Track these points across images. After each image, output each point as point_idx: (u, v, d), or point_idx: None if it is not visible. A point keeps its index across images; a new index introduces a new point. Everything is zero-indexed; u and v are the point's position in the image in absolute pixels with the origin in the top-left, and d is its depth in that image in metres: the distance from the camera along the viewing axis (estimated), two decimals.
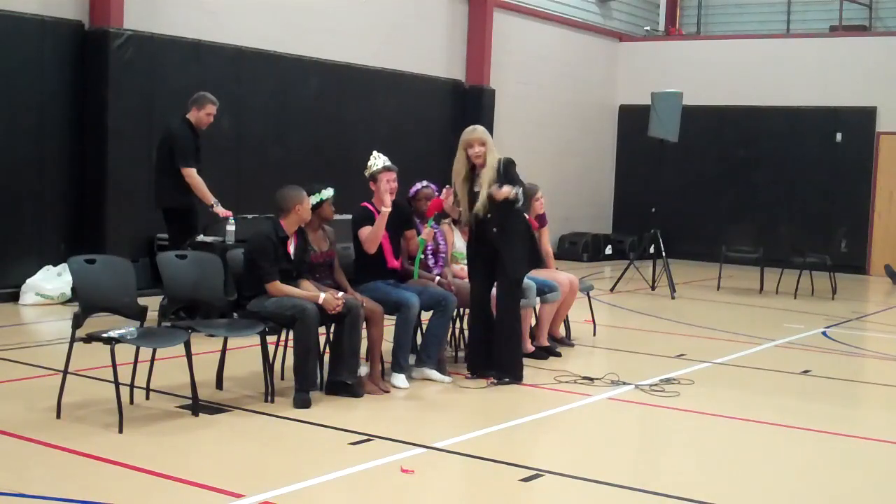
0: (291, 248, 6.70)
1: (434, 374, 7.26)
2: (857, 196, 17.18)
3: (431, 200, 7.52)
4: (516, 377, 7.31)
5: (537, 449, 6.07)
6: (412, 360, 7.32)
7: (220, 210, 9.04)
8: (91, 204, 10.79)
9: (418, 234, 7.45)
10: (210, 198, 8.97)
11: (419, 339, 7.53)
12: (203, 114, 9.05)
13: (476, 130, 7.32)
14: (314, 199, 6.85)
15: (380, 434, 5.81)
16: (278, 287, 6.50)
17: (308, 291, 6.59)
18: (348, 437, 5.79)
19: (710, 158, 18.06)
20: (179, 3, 11.67)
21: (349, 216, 7.39)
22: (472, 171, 7.33)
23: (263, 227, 6.77)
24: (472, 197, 7.28)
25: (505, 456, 5.57)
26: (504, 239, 7.23)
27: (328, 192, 7.01)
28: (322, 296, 6.47)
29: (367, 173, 7.26)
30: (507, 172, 7.23)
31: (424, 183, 7.74)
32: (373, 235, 7.10)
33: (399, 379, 7.07)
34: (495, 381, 7.24)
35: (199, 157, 9.11)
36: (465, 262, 7.94)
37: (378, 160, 7.26)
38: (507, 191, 7.10)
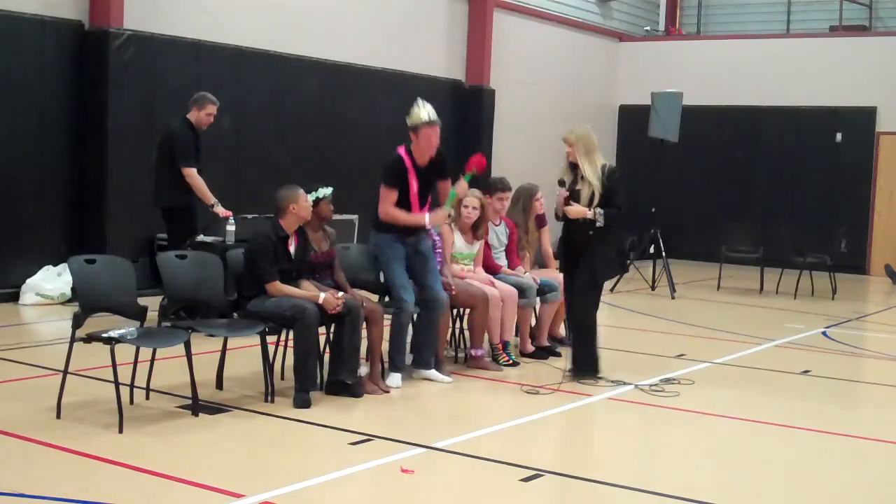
0: (292, 248, 6.71)
1: (433, 374, 7.27)
2: (857, 196, 17.17)
3: (472, 158, 7.25)
4: (595, 371, 7.50)
5: (537, 449, 6.06)
6: (409, 359, 7.31)
7: (221, 210, 9.04)
8: (91, 204, 10.79)
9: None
10: (210, 198, 8.98)
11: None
12: (203, 114, 9.06)
13: (571, 130, 7.78)
14: (311, 198, 6.85)
15: (380, 434, 5.81)
16: (278, 287, 6.50)
17: (308, 291, 6.59)
18: (348, 437, 5.79)
19: (710, 158, 18.04)
20: (179, 3, 11.67)
21: (349, 216, 7.41)
22: (574, 169, 7.59)
23: (263, 227, 6.77)
24: (573, 194, 7.51)
25: (505, 456, 5.57)
26: (598, 240, 7.43)
27: (326, 191, 7.00)
28: (322, 295, 6.47)
29: (408, 122, 6.88)
30: (608, 180, 7.46)
31: None
32: (393, 217, 6.99)
33: (394, 378, 7.07)
34: (571, 376, 7.41)
35: (200, 157, 9.11)
36: (465, 262, 7.96)
37: (422, 110, 6.81)
38: (577, 210, 7.42)
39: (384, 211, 6.98)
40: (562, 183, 7.60)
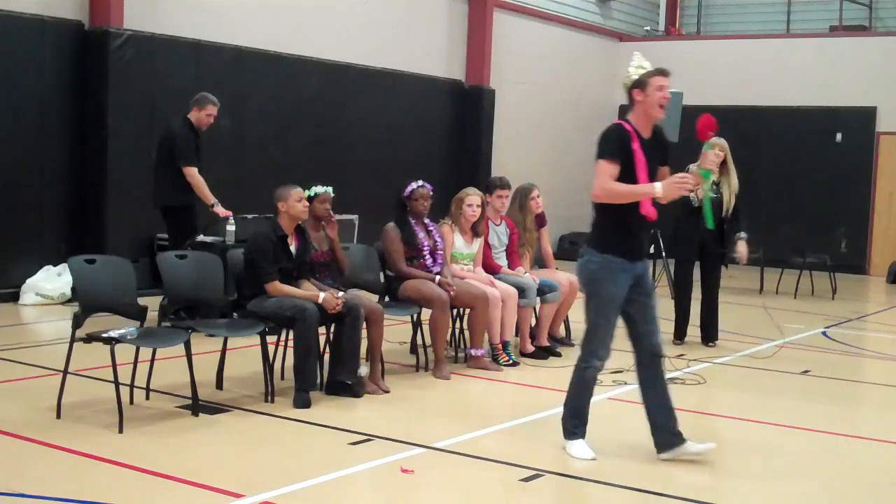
0: (293, 248, 6.70)
1: (691, 448, 5.64)
2: (857, 196, 17.17)
3: (701, 121, 5.75)
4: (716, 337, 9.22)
5: (537, 449, 6.06)
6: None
7: (220, 210, 9.05)
8: (91, 204, 10.79)
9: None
10: (210, 197, 8.98)
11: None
12: (203, 114, 9.07)
13: (720, 138, 8.50)
14: (305, 195, 6.83)
15: (380, 434, 5.81)
16: (277, 287, 6.50)
17: (307, 291, 6.58)
18: (348, 437, 5.79)
19: None
20: (179, 3, 11.67)
21: (349, 216, 7.38)
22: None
23: (262, 226, 6.77)
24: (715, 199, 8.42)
25: (505, 456, 5.57)
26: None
27: (319, 188, 6.97)
28: (322, 295, 6.47)
29: (628, 80, 5.55)
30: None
31: (420, 182, 7.70)
32: (614, 193, 5.34)
33: (579, 448, 5.68)
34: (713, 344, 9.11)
35: (200, 156, 9.11)
36: (465, 262, 7.96)
37: (645, 61, 5.59)
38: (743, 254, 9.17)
39: (603, 187, 5.31)
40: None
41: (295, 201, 6.64)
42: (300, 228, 6.78)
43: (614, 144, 5.36)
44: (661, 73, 5.53)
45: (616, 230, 5.43)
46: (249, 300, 6.61)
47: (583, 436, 5.66)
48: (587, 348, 5.57)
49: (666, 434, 5.59)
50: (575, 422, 5.68)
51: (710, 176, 5.71)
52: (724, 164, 8.90)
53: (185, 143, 8.97)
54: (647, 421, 5.65)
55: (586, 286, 5.58)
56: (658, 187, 5.34)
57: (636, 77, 5.51)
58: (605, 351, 5.54)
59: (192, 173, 8.92)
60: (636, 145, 5.36)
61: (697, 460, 5.54)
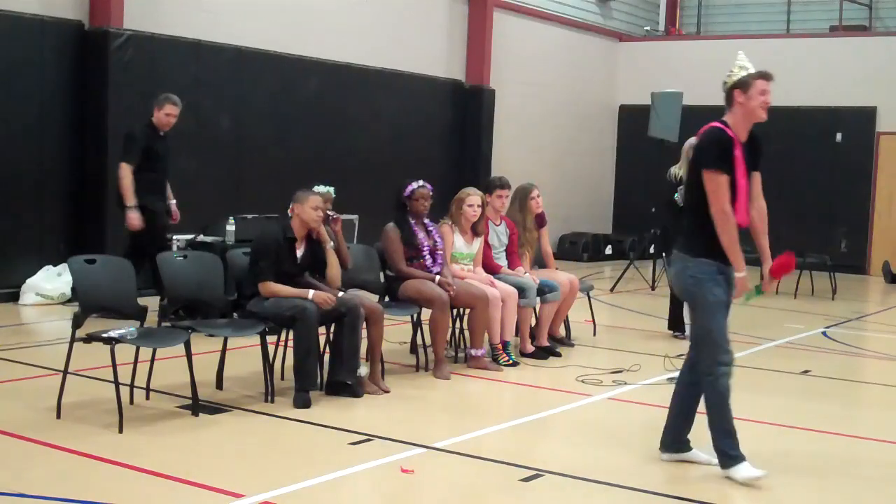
0: (300, 252, 6.67)
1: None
2: (857, 196, 17.17)
3: (783, 264, 5.54)
4: None
5: (537, 449, 6.06)
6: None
7: (134, 216, 8.91)
8: (91, 204, 10.79)
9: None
10: (131, 199, 8.91)
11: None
12: (163, 114, 9.05)
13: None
14: (322, 204, 6.81)
15: (380, 434, 5.81)
16: (269, 286, 6.48)
17: (297, 289, 6.53)
18: (348, 437, 5.78)
19: None
20: (179, 3, 11.67)
21: (349, 216, 7.36)
22: None
23: (272, 226, 6.75)
24: None
25: (505, 456, 5.57)
26: None
27: (321, 189, 6.95)
28: (311, 292, 6.45)
29: (729, 81, 5.31)
30: None
31: (420, 182, 7.69)
32: (726, 236, 5.16)
33: (745, 469, 5.35)
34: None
35: (160, 159, 9.06)
36: (465, 262, 7.96)
37: (747, 61, 5.34)
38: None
39: (723, 210, 5.11)
40: (681, 180, 8.54)
41: (310, 208, 6.59)
42: (311, 238, 6.73)
43: (724, 153, 5.15)
44: (765, 76, 5.32)
45: (712, 235, 5.20)
46: (249, 300, 6.61)
47: (744, 456, 5.26)
48: (708, 358, 5.35)
49: (676, 439, 5.61)
50: (729, 442, 5.30)
51: (758, 295, 5.59)
52: None
53: (129, 140, 8.97)
54: (669, 414, 5.59)
55: (688, 294, 5.38)
56: (743, 268, 5.27)
57: (738, 77, 5.28)
58: (727, 354, 5.38)
59: (123, 170, 8.88)
60: (738, 152, 5.19)
61: (697, 461, 5.52)
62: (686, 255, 5.32)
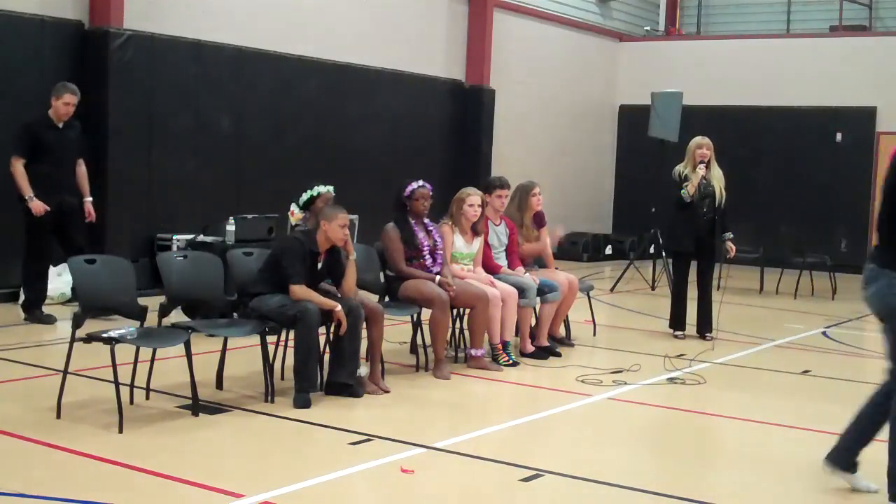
0: (319, 264, 6.67)
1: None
2: (857, 196, 17.16)
3: None
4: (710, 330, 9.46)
5: (537, 449, 6.06)
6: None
7: (36, 204, 8.78)
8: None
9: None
10: (27, 190, 8.78)
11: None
12: (60, 103, 8.91)
13: (703, 137, 9.46)
14: (304, 196, 6.81)
15: (380, 434, 5.81)
16: (303, 289, 6.44)
17: (328, 300, 6.52)
18: (348, 437, 5.79)
19: None
20: (179, 3, 11.67)
21: (349, 216, 7.35)
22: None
23: (296, 235, 6.74)
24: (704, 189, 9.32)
25: (505, 456, 5.57)
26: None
27: (321, 188, 6.94)
28: (339, 308, 6.43)
29: None
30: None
31: (420, 182, 7.69)
32: None
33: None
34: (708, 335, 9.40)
35: (49, 150, 8.85)
36: (465, 262, 7.96)
37: None
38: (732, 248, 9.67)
39: None
40: (686, 178, 9.29)
41: (338, 225, 6.56)
42: (332, 253, 6.71)
43: None
44: None
45: None
46: (251, 298, 6.60)
47: None
48: None
49: (846, 456, 5.35)
50: None
51: None
52: (708, 161, 9.40)
53: (17, 132, 8.84)
54: (847, 430, 5.34)
55: (889, 309, 5.16)
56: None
57: None
58: None
59: (14, 165, 8.76)
60: None
61: (856, 487, 5.41)
62: (888, 270, 5.06)
